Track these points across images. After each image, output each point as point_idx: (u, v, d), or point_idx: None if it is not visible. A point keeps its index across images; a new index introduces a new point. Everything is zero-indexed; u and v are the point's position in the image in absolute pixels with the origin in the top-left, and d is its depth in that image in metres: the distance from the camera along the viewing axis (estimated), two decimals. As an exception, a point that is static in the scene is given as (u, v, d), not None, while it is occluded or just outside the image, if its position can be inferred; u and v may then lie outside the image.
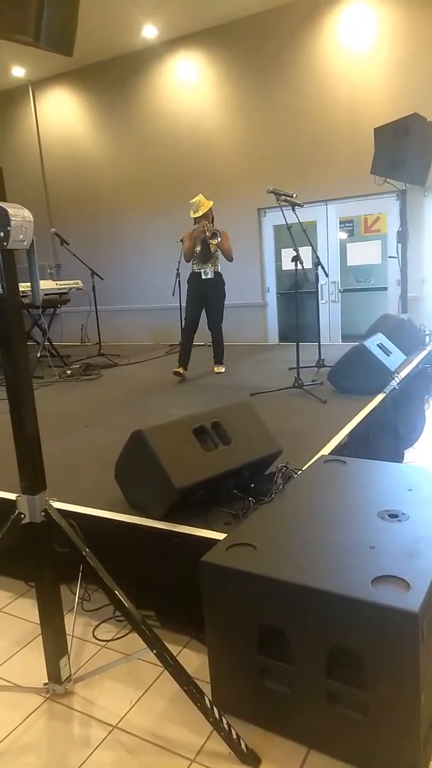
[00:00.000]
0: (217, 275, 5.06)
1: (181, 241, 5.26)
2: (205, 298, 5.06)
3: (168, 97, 7.39)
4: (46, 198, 8.53)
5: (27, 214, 1.49)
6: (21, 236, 1.48)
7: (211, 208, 5.04)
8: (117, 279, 7.81)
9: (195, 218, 5.04)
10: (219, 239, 4.96)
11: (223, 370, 5.20)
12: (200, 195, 5.03)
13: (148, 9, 6.29)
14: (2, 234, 1.44)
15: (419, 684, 1.37)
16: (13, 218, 1.44)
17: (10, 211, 1.44)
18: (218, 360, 5.26)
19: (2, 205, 1.44)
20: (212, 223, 5.07)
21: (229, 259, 5.10)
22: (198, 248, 4.97)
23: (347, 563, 1.56)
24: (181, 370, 5.02)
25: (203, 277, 5.00)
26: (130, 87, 7.59)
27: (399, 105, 5.66)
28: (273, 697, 1.58)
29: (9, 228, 1.44)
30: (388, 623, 1.37)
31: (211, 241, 4.93)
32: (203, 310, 5.13)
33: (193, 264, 5.04)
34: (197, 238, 4.96)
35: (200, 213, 5.01)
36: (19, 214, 1.47)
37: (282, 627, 1.53)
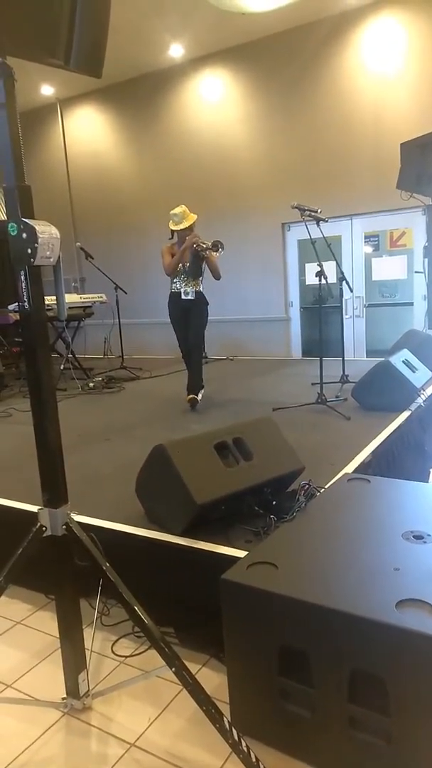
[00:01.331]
0: (199, 295, 4.54)
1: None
2: (187, 315, 4.53)
3: (193, 114, 7.50)
4: (71, 213, 8.70)
5: (54, 231, 1.52)
6: (48, 253, 1.51)
7: (193, 224, 4.53)
8: (140, 293, 7.89)
9: (176, 231, 4.52)
10: (222, 251, 4.40)
11: (199, 397, 4.44)
12: (183, 206, 4.52)
13: (174, 29, 6.41)
14: (30, 251, 1.47)
15: (445, 713, 1.32)
16: (40, 235, 1.47)
17: (37, 228, 1.47)
18: (189, 389, 4.46)
19: (30, 223, 1.47)
20: None
21: (218, 276, 4.57)
22: (187, 264, 4.48)
23: (371, 585, 1.53)
24: (192, 396, 4.39)
25: (183, 297, 4.48)
26: (155, 104, 7.73)
27: (425, 120, 5.64)
28: (293, 720, 1.55)
29: (36, 245, 1.47)
30: (411, 648, 1.34)
31: (213, 253, 4.41)
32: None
33: (174, 282, 4.55)
34: (185, 253, 4.42)
35: (184, 225, 4.47)
36: (47, 231, 1.50)
37: (303, 648, 1.50)
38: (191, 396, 4.40)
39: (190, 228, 4.49)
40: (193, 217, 4.51)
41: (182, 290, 4.51)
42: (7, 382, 5.81)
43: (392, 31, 6.07)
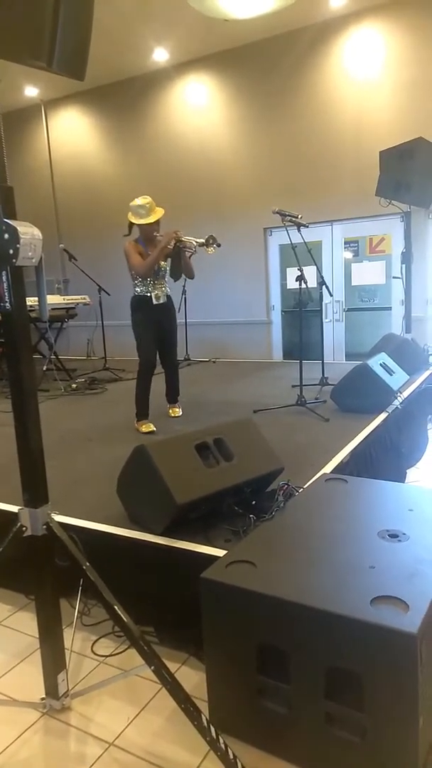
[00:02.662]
0: (169, 299, 4.00)
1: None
2: (161, 326, 3.95)
3: (177, 119, 7.52)
4: (55, 214, 8.65)
5: (36, 232, 1.53)
6: (30, 253, 1.52)
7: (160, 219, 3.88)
8: (123, 294, 7.82)
9: (141, 225, 3.83)
10: (216, 248, 3.84)
11: (180, 413, 4.19)
12: (148, 197, 3.86)
13: (159, 33, 6.44)
14: (11, 251, 1.48)
15: (417, 707, 1.36)
16: (22, 236, 1.48)
17: (19, 229, 1.48)
18: (175, 399, 4.23)
19: (12, 224, 1.48)
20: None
21: (192, 275, 4.01)
22: (165, 263, 3.92)
23: (347, 583, 1.56)
24: (150, 425, 3.82)
25: (155, 302, 3.86)
26: (140, 108, 7.74)
27: (404, 129, 5.74)
28: (271, 717, 1.57)
29: (18, 245, 1.47)
30: (386, 644, 1.37)
31: (208, 250, 3.81)
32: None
33: (139, 284, 3.88)
34: (162, 251, 3.79)
35: (151, 219, 3.80)
36: (29, 232, 1.51)
37: (280, 646, 1.53)
38: (176, 408, 4.20)
39: (157, 223, 3.86)
40: (160, 211, 3.87)
41: (153, 294, 3.88)
42: (-13, 382, 5.74)
43: (373, 40, 6.18)
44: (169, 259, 3.92)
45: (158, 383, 3.95)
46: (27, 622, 2.24)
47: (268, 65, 6.77)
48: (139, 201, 3.81)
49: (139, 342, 3.91)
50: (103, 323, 6.67)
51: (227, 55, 6.98)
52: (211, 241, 3.79)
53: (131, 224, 3.88)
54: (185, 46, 6.83)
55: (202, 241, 3.80)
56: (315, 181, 6.69)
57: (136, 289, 3.90)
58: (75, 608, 2.15)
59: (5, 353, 1.62)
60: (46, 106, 8.44)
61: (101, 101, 7.98)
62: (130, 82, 7.65)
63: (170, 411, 4.20)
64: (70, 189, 8.54)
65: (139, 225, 3.84)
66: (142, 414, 3.89)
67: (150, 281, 3.87)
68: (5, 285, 1.54)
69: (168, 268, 3.95)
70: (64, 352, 6.98)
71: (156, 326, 3.92)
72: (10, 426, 1.60)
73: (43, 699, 1.77)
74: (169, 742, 1.63)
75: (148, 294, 3.88)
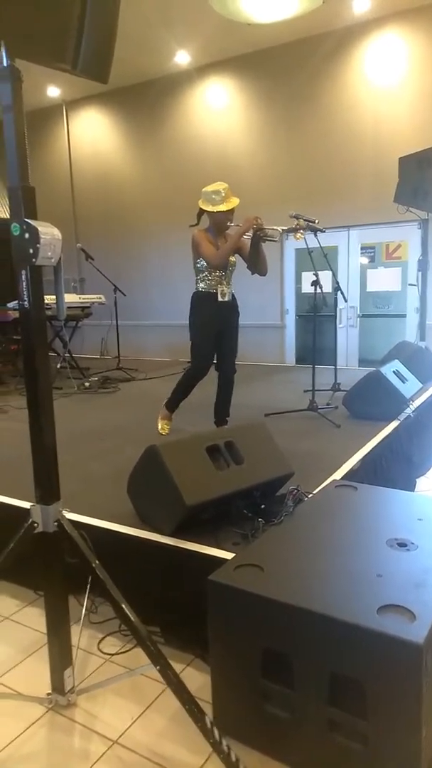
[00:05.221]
0: (234, 298, 3.68)
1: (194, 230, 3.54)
2: (224, 327, 3.60)
3: (197, 121, 7.56)
4: (73, 214, 8.73)
5: (56, 232, 1.55)
6: (49, 253, 1.54)
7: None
8: (138, 295, 7.93)
9: (214, 213, 3.47)
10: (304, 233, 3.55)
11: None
12: (224, 183, 3.52)
13: (181, 36, 6.48)
14: (32, 251, 1.50)
15: (420, 718, 1.35)
16: (42, 236, 1.50)
17: (40, 229, 1.50)
18: (224, 418, 3.75)
19: (33, 224, 1.50)
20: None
21: (265, 271, 3.67)
22: (234, 258, 3.60)
23: (353, 590, 1.56)
24: (167, 427, 3.74)
25: (221, 299, 3.54)
26: (160, 110, 7.78)
27: (424, 136, 5.72)
28: (274, 721, 1.58)
29: (38, 245, 1.50)
30: (391, 653, 1.37)
31: (296, 235, 3.53)
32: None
33: (204, 279, 3.53)
34: (239, 239, 3.44)
35: (226, 207, 3.45)
36: (49, 232, 1.53)
37: (285, 651, 1.53)
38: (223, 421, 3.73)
39: (232, 212, 3.50)
40: (236, 200, 3.50)
41: (218, 290, 3.52)
42: (3, 379, 5.82)
43: (394, 46, 6.16)
44: (237, 255, 3.61)
45: (169, 384, 3.95)
46: (35, 618, 2.26)
47: (290, 69, 6.78)
48: (214, 186, 3.48)
49: (196, 344, 3.56)
50: (117, 323, 6.71)
51: (248, 59, 7.00)
52: (298, 226, 3.45)
53: (201, 212, 3.54)
54: (207, 49, 6.86)
55: (285, 227, 3.47)
56: (333, 187, 6.68)
57: (200, 285, 3.55)
58: (83, 605, 2.16)
59: (22, 350, 1.64)
60: (67, 106, 8.53)
61: (122, 102, 8.04)
62: (151, 84, 7.70)
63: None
64: (89, 189, 8.62)
65: (211, 213, 3.48)
66: (172, 407, 3.75)
67: (218, 276, 3.53)
68: (24, 284, 1.57)
69: (234, 266, 3.63)
70: (78, 350, 7.03)
71: (218, 328, 3.57)
72: (25, 422, 1.62)
73: (49, 694, 1.79)
74: (173, 743, 1.64)
75: (214, 291, 3.53)
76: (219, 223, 3.51)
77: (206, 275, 3.52)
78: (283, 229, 3.52)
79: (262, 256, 3.54)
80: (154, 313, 8.18)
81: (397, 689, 1.37)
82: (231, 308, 3.64)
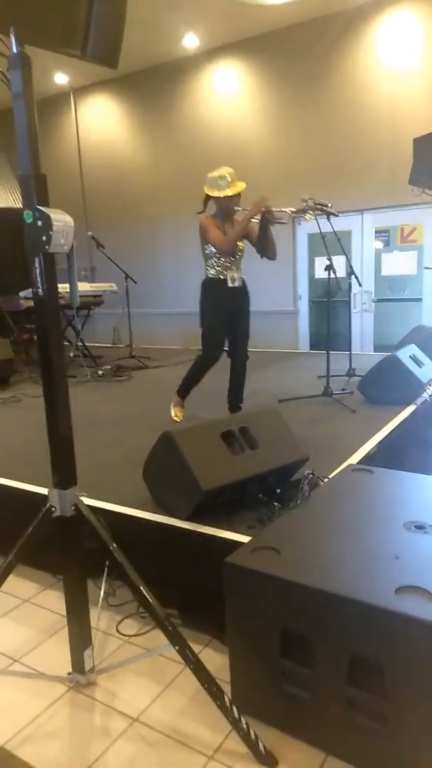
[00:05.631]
0: (245, 283, 3.64)
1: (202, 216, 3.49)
2: (235, 312, 3.58)
3: (206, 105, 7.48)
4: (83, 202, 8.72)
5: (68, 219, 1.55)
6: (62, 240, 1.54)
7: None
8: (150, 283, 7.92)
9: (220, 198, 3.42)
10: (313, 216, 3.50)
11: None
12: (230, 167, 3.48)
13: (189, 19, 6.39)
14: (44, 238, 1.51)
15: (440, 696, 1.36)
16: (55, 223, 1.51)
17: (52, 216, 1.51)
18: (237, 405, 3.74)
19: (45, 211, 1.50)
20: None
21: (274, 255, 3.60)
22: (242, 243, 3.54)
23: (371, 571, 1.57)
24: (180, 414, 3.81)
25: (230, 284, 3.51)
26: (169, 95, 7.71)
27: (439, 115, 5.61)
28: (293, 700, 1.59)
29: (51, 232, 1.50)
30: (409, 633, 1.37)
31: (307, 216, 3.50)
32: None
33: (213, 265, 3.51)
34: (247, 223, 3.38)
35: (232, 192, 3.41)
36: (61, 219, 1.53)
37: (303, 631, 1.54)
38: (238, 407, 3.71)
39: (239, 196, 3.46)
40: (242, 184, 3.45)
41: (229, 276, 3.50)
42: (16, 368, 5.87)
43: (409, 24, 6.01)
44: (245, 240, 3.55)
45: (181, 372, 3.96)
46: (54, 601, 2.30)
47: (300, 51, 6.66)
48: (220, 171, 3.43)
49: (207, 331, 3.55)
50: (129, 311, 6.72)
51: (258, 41, 6.88)
52: (308, 207, 3.40)
53: (207, 198, 3.48)
54: (216, 32, 6.77)
55: (294, 209, 3.43)
56: (346, 170, 6.58)
57: (209, 271, 3.53)
58: (101, 589, 2.20)
59: (37, 337, 1.65)
60: (75, 93, 8.48)
61: (130, 88, 7.98)
62: (159, 69, 7.62)
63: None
64: (98, 176, 8.59)
65: (217, 198, 3.43)
66: (183, 394, 3.80)
67: (227, 261, 3.50)
68: (37, 271, 1.57)
69: (243, 251, 3.57)
70: (90, 339, 7.06)
71: (229, 314, 3.54)
72: (39, 410, 1.63)
73: (69, 674, 1.83)
74: (193, 721, 1.67)
75: (223, 277, 3.50)
76: (226, 209, 3.48)
77: (215, 261, 3.50)
78: (292, 211, 3.48)
79: (271, 239, 3.48)
80: (166, 301, 8.17)
81: (416, 669, 1.38)
82: (242, 293, 3.62)
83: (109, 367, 5.90)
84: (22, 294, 5.92)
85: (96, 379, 5.57)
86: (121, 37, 1.72)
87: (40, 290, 1.58)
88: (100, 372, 5.70)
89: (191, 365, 3.71)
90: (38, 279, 1.57)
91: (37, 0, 1.54)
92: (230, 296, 3.54)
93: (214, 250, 3.46)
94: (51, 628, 2.14)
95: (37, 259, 1.55)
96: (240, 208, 3.49)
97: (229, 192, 3.39)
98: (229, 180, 3.39)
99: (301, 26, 6.57)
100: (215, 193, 3.43)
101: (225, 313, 3.53)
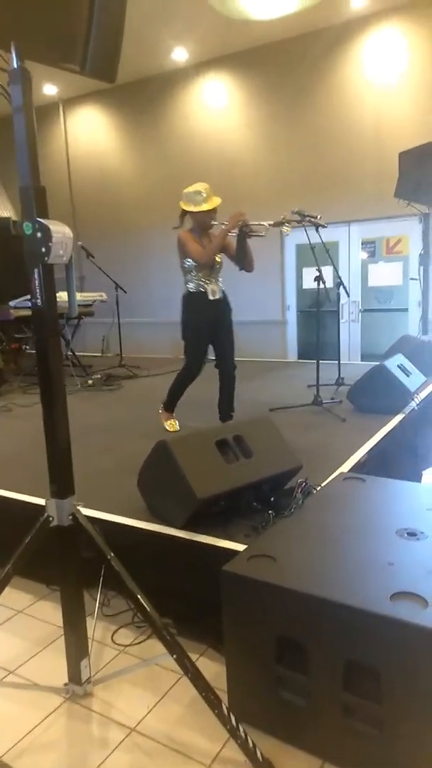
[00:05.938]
0: (225, 294, 3.67)
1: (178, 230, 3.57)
2: (216, 325, 3.60)
3: (195, 118, 7.56)
4: (72, 212, 8.73)
5: (67, 231, 1.58)
6: (61, 252, 1.57)
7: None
8: (140, 292, 7.94)
9: (197, 213, 3.47)
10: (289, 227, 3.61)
11: None
12: (205, 183, 3.53)
13: (179, 32, 6.47)
14: (44, 249, 1.53)
15: (435, 700, 1.38)
16: (54, 234, 1.53)
17: (52, 227, 1.53)
18: (229, 414, 3.73)
19: (44, 222, 1.52)
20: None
21: (252, 268, 3.62)
22: (219, 257, 3.58)
23: (365, 578, 1.59)
24: (176, 424, 3.80)
25: (211, 297, 3.54)
26: (158, 107, 7.79)
27: (424, 130, 5.73)
28: (289, 707, 1.61)
29: (50, 244, 1.52)
30: (405, 639, 1.40)
31: (285, 228, 3.56)
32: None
33: (193, 279, 3.54)
34: (224, 236, 3.44)
35: (208, 207, 3.45)
36: (60, 231, 1.56)
37: (299, 639, 1.56)
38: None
39: (215, 211, 3.50)
40: (218, 199, 3.50)
41: (209, 288, 3.54)
42: (6, 377, 5.84)
43: (394, 40, 6.16)
44: (222, 254, 3.59)
45: (171, 381, 3.97)
46: (48, 611, 2.29)
47: (288, 66, 6.78)
48: (195, 187, 3.48)
49: (190, 344, 3.61)
50: (119, 320, 6.73)
51: (247, 55, 6.99)
52: (285, 219, 3.46)
53: (184, 213, 3.54)
54: (205, 46, 6.86)
55: (272, 222, 3.49)
56: (333, 182, 6.69)
57: (189, 285, 3.56)
58: (95, 599, 2.19)
59: (35, 347, 1.66)
60: (64, 104, 8.52)
61: (120, 100, 8.04)
62: (148, 82, 7.70)
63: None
64: (87, 187, 8.63)
65: (193, 213, 3.48)
66: (170, 407, 3.82)
67: (206, 274, 3.53)
68: (36, 282, 1.59)
69: (221, 264, 3.61)
70: (80, 348, 7.05)
71: (211, 326, 3.59)
72: (29, 420, 1.64)
73: (65, 685, 1.82)
74: (190, 730, 1.68)
75: (203, 290, 3.53)
76: (202, 223, 3.52)
77: (194, 275, 3.53)
78: (269, 224, 3.53)
79: (249, 252, 3.52)
80: (156, 310, 8.20)
81: (411, 674, 1.40)
82: (223, 305, 3.65)
83: (99, 376, 5.89)
84: (12, 303, 5.90)
85: (86, 388, 5.57)
86: (119, 51, 1.76)
87: (39, 301, 1.60)
88: (90, 381, 5.70)
89: (174, 378, 3.76)
90: (37, 290, 1.59)
91: (38, 15, 1.57)
92: (211, 309, 3.58)
93: (193, 264, 3.50)
94: (46, 638, 2.13)
95: (36, 270, 1.57)
96: (216, 222, 3.54)
97: (205, 207, 3.45)
98: (205, 195, 3.45)
99: (289, 41, 6.69)
100: (191, 208, 3.48)
101: (207, 325, 3.58)
